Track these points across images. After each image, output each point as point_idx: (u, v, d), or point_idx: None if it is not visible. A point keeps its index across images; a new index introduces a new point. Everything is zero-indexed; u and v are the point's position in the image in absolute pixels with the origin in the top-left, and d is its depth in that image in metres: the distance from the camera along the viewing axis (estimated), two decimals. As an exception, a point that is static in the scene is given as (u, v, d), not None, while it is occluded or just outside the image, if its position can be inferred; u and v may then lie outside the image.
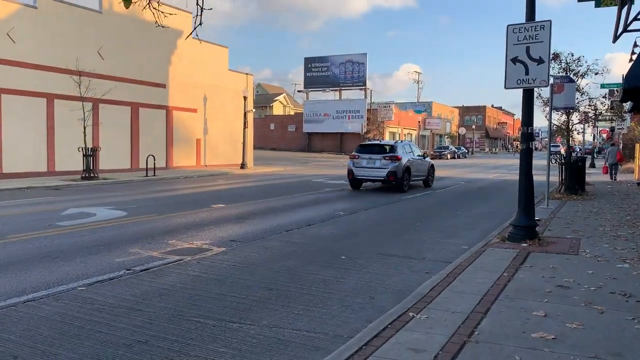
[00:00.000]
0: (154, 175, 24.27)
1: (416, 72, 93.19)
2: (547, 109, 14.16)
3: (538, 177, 25.00)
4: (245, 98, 31.53)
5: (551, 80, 13.43)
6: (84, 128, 21.40)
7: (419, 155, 20.78)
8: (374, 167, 18.59)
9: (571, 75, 15.91)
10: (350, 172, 19.03)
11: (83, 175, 21.59)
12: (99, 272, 6.68)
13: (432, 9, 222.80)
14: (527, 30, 8.29)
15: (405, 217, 12.26)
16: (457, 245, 8.97)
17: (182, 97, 29.96)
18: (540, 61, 8.20)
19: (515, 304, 5.18)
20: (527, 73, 8.30)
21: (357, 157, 19.01)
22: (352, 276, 6.72)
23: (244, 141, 31.62)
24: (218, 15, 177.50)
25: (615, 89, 27.30)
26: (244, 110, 31.72)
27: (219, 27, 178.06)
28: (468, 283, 5.98)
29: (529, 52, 8.28)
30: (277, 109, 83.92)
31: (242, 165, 31.20)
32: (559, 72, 15.98)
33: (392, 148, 19.11)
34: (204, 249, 8.17)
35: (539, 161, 42.22)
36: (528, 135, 8.44)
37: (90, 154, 21.70)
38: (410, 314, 4.85)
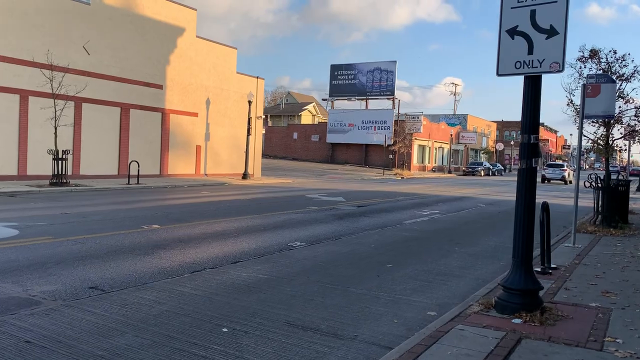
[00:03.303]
0: (137, 183, 21.97)
1: (453, 83, 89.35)
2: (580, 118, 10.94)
3: (564, 200, 21.53)
4: (250, 103, 29.06)
5: (582, 80, 10.29)
6: (55, 129, 19.29)
7: (569, 168, 44.26)
8: (555, 173, 42.93)
9: (614, 78, 12.61)
10: (543, 175, 41.87)
11: (52, 180, 19.44)
12: None
13: (475, 24, 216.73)
14: (533, -14, 5.34)
15: (381, 253, 9.31)
16: (423, 307, 6.05)
17: (181, 100, 27.72)
18: (551, 32, 5.23)
19: None
20: (530, 51, 5.34)
21: (546, 167, 44.39)
22: (199, 378, 3.90)
23: (247, 149, 29.12)
24: (260, 26, 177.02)
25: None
26: (249, 115, 29.24)
27: (261, 37, 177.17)
28: None
29: (534, 18, 5.32)
30: (306, 119, 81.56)
31: (244, 176, 28.68)
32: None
33: (562, 165, 45.79)
34: (28, 302, 5.50)
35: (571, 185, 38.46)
36: (531, 147, 5.44)
37: (62, 158, 19.54)
38: None
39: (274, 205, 16.36)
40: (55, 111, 19.21)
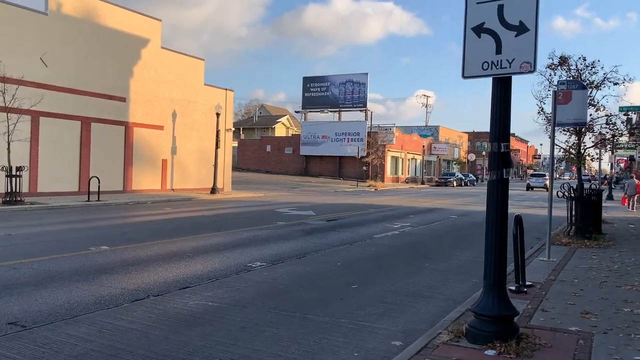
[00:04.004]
0: (98, 200, 20.97)
1: (425, 95, 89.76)
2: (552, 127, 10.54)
3: (537, 210, 21.27)
4: (218, 115, 28.31)
5: (553, 88, 9.92)
6: (8, 144, 18.28)
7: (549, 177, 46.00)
8: (538, 181, 50.39)
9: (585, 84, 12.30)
10: (528, 184, 51.27)
11: (5, 199, 18.36)
12: None
13: (445, 37, 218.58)
14: (500, -21, 4.84)
15: (347, 272, 8.69)
16: (388, 336, 5.43)
17: (146, 113, 26.81)
18: (521, 29, 4.73)
19: None
20: (499, 51, 4.83)
21: (531, 177, 55.36)
22: None
23: (215, 163, 28.32)
24: (234, 40, 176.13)
25: (636, 112, 23.61)
26: (217, 128, 28.48)
27: (235, 51, 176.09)
28: None
29: (502, 14, 4.82)
30: (280, 131, 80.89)
31: (213, 190, 27.82)
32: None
33: (544, 175, 53.02)
34: None
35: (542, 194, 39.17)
36: (501, 157, 4.91)
37: (15, 175, 18.50)
38: None
39: (239, 221, 15.63)
40: (8, 125, 18.22)
